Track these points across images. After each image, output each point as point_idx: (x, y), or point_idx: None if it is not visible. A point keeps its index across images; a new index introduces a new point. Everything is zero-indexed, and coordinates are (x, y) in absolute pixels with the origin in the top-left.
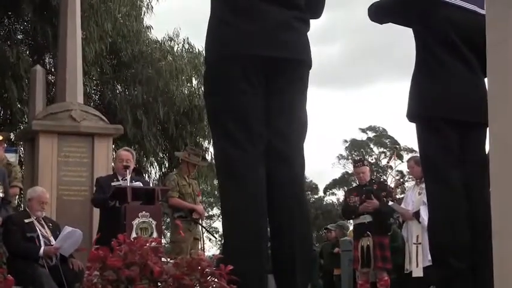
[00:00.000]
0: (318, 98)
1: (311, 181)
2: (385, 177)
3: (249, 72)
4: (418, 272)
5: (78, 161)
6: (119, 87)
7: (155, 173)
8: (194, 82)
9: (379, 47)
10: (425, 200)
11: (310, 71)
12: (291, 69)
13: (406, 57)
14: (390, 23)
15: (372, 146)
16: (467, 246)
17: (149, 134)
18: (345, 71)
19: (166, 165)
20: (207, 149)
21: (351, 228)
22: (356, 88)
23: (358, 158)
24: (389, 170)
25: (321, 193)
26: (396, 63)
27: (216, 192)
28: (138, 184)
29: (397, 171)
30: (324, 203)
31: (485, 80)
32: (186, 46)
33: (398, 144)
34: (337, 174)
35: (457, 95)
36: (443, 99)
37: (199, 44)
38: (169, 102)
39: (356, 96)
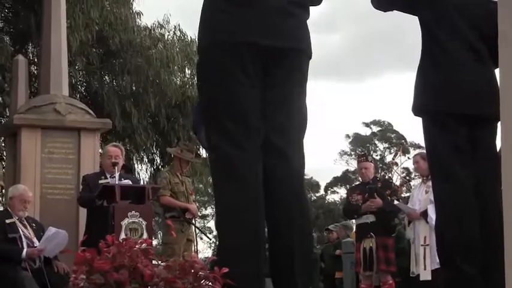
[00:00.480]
0: (319, 90)
1: (311, 177)
2: (390, 175)
3: (246, 62)
4: (426, 275)
5: (63, 157)
6: (107, 78)
7: (146, 170)
8: (187, 72)
9: (384, 36)
10: (433, 199)
11: (310, 61)
12: (289, 59)
13: (414, 46)
14: (395, 11)
15: (376, 141)
16: (477, 248)
17: (139, 127)
18: (347, 62)
19: (158, 162)
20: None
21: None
22: (359, 80)
23: (363, 153)
24: (394, 167)
25: (322, 191)
26: (402, 53)
27: (210, 191)
28: (128, 182)
29: (403, 168)
30: (326, 201)
31: (497, 71)
32: (178, 33)
33: (405, 140)
34: (339, 172)
35: (464, 87)
36: (450, 91)
37: (192, 31)
38: (160, 94)
39: (359, 89)
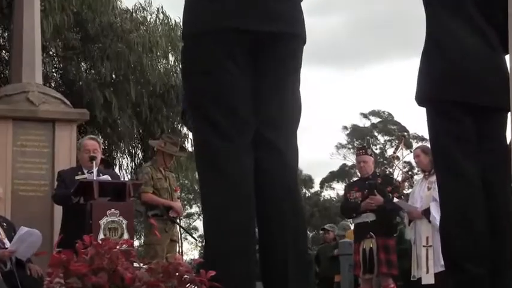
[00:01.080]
0: (314, 79)
1: (301, 171)
2: (391, 170)
3: (234, 49)
4: (428, 279)
5: (36, 151)
6: (84, 64)
7: (126, 165)
8: (171, 58)
9: (386, 18)
10: (436, 196)
11: (304, 46)
12: (282, 45)
13: (417, 30)
14: None
15: (376, 133)
16: (485, 249)
17: (119, 119)
18: (346, 47)
19: (140, 156)
20: (186, 137)
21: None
22: (358, 67)
23: (362, 145)
24: (395, 161)
25: (317, 187)
26: (407, 37)
27: (196, 187)
28: (107, 178)
29: (405, 162)
30: (321, 198)
31: (507, 58)
32: (161, 16)
33: (407, 132)
34: (335, 166)
35: (472, 75)
36: (456, 79)
37: (176, 14)
38: (142, 82)
39: (358, 76)
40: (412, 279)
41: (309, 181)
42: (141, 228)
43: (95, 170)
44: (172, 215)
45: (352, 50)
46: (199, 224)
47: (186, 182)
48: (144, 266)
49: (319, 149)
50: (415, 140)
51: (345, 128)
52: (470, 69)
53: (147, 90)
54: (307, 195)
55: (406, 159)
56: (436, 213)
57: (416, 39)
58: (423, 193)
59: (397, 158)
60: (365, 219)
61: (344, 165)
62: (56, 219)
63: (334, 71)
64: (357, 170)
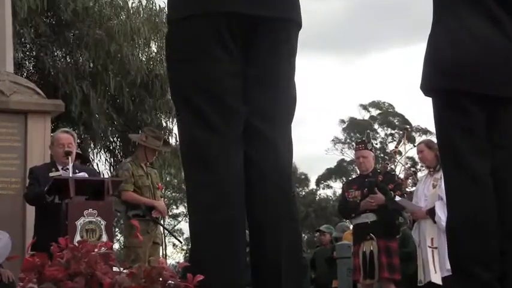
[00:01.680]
0: (310, 67)
1: (296, 168)
2: (392, 166)
3: (224, 35)
4: (437, 279)
5: (7, 145)
6: (59, 53)
7: (105, 161)
8: (154, 46)
9: (390, 3)
10: (442, 194)
11: (300, 32)
12: (275, 30)
13: (425, 15)
14: None
15: (376, 126)
16: (495, 252)
17: (98, 111)
18: (345, 33)
19: (120, 151)
20: (170, 131)
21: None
22: (358, 54)
23: (362, 139)
24: (398, 157)
25: (312, 185)
26: (412, 23)
27: (183, 186)
28: (83, 175)
29: (408, 158)
30: (317, 197)
31: None
32: (144, 1)
33: (410, 124)
34: (332, 162)
35: (483, 63)
36: (464, 67)
37: None
38: (123, 72)
39: (358, 65)
40: (418, 284)
41: (304, 179)
42: (121, 229)
43: (70, 166)
44: (155, 216)
45: (353, 37)
46: (185, 226)
47: (172, 179)
48: (125, 271)
49: (314, 144)
50: (418, 134)
51: (343, 121)
52: (483, 58)
53: (127, 80)
54: (301, 194)
55: (409, 154)
56: (441, 213)
57: (421, 25)
58: (428, 191)
59: (399, 153)
60: (365, 220)
61: (342, 161)
62: (29, 220)
63: (332, 59)
64: (355, 167)
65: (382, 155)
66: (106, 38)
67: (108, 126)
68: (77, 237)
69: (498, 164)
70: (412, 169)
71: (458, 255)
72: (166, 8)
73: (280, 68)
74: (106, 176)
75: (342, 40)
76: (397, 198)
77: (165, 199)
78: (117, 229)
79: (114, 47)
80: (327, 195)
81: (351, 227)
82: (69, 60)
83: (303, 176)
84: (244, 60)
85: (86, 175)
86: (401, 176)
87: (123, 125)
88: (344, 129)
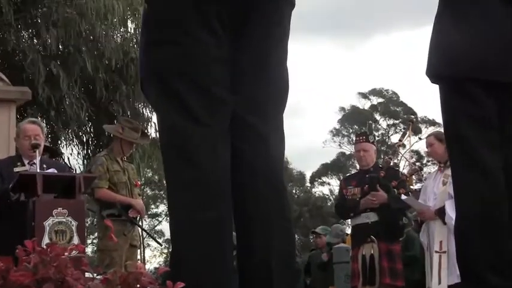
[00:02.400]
0: (305, 51)
1: (287, 162)
2: (396, 161)
3: (209, 16)
4: None
5: None
6: (25, 33)
7: (77, 154)
8: (130, 26)
9: None
10: (453, 192)
11: (293, 12)
12: (266, 10)
13: None
14: None
15: (377, 116)
16: (509, 255)
17: (68, 98)
18: (345, 14)
19: (92, 143)
20: (149, 120)
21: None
22: (359, 37)
23: (362, 130)
24: (401, 150)
25: (306, 182)
26: (418, 3)
27: (164, 182)
28: (52, 170)
29: (413, 151)
30: (312, 196)
31: None
32: None
33: (415, 114)
34: (329, 157)
35: (495, 47)
36: (476, 51)
37: None
38: (96, 54)
39: (358, 50)
40: None
41: (299, 177)
42: (94, 230)
43: (37, 160)
44: (132, 215)
45: (355, 17)
46: (166, 226)
47: (153, 174)
48: (99, 277)
49: (309, 136)
50: (424, 125)
51: (343, 109)
52: (495, 40)
53: (101, 64)
54: (295, 194)
55: (414, 147)
56: (452, 213)
57: (428, 6)
58: (437, 189)
59: (404, 146)
60: (365, 220)
61: (341, 155)
62: None
63: (331, 42)
64: (355, 161)
65: (383, 148)
66: (77, 16)
67: (80, 114)
68: (45, 240)
69: (511, 157)
70: (417, 164)
71: (467, 258)
72: None
73: (272, 53)
74: (78, 171)
75: (341, 22)
76: (403, 197)
77: (144, 197)
78: (90, 230)
79: (86, 27)
80: (323, 194)
81: (348, 229)
82: (36, 41)
83: (295, 172)
84: (232, 43)
85: (55, 171)
86: (406, 171)
87: (95, 113)
88: (342, 120)
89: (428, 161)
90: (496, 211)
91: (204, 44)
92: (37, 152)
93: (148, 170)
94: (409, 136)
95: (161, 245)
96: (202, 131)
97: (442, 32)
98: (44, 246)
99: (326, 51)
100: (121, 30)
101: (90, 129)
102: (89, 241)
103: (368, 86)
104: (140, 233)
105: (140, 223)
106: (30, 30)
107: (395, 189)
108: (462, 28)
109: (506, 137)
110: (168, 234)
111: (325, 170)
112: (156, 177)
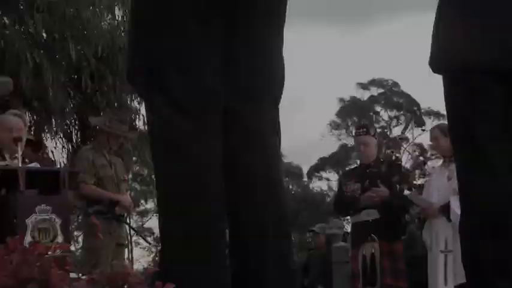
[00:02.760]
0: (301, 39)
1: (282, 155)
2: (398, 155)
3: (201, 4)
4: None
5: None
6: (6, 19)
7: (61, 148)
8: (118, 12)
9: None
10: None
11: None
12: None
13: None
14: None
15: (378, 108)
16: None
17: (52, 88)
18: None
19: (77, 136)
20: (137, 112)
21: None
22: (359, 25)
23: (362, 123)
24: (404, 144)
25: (304, 177)
26: None
27: (153, 177)
28: (35, 165)
29: (416, 145)
30: (309, 192)
31: None
32: None
33: (418, 106)
34: (328, 150)
35: (502, 35)
36: (482, 40)
37: None
38: (82, 42)
39: (358, 37)
40: None
41: (296, 173)
42: (79, 228)
43: (19, 154)
44: (119, 212)
45: (356, 2)
46: (155, 224)
47: (141, 169)
48: (84, 277)
49: (305, 129)
50: (428, 117)
51: (343, 100)
52: (502, 28)
53: (88, 52)
54: (292, 190)
55: (417, 140)
56: (458, 210)
57: None
58: (442, 184)
59: (406, 139)
60: (365, 218)
61: (341, 147)
62: None
63: (329, 29)
64: (355, 155)
65: (385, 142)
66: (62, 1)
67: (65, 105)
68: (28, 238)
69: None
70: (420, 158)
71: (474, 261)
72: None
73: (266, 43)
74: (62, 166)
75: (337, 7)
76: (406, 193)
77: (132, 192)
78: (74, 228)
79: (71, 12)
80: (321, 189)
81: (348, 227)
82: (17, 28)
83: (293, 164)
84: (226, 31)
85: (38, 165)
86: (408, 166)
87: (80, 105)
88: (341, 112)
89: (432, 155)
90: (503, 210)
91: (193, 31)
92: (19, 145)
93: (136, 163)
94: (411, 128)
95: (150, 244)
96: (192, 122)
97: (446, 19)
98: (27, 245)
99: (315, 37)
100: (108, 17)
101: (75, 122)
102: (74, 239)
103: (367, 76)
104: (128, 231)
105: (128, 220)
106: (11, 17)
107: (397, 185)
108: (467, 16)
109: None
110: (158, 232)
111: (323, 164)
112: (145, 171)
